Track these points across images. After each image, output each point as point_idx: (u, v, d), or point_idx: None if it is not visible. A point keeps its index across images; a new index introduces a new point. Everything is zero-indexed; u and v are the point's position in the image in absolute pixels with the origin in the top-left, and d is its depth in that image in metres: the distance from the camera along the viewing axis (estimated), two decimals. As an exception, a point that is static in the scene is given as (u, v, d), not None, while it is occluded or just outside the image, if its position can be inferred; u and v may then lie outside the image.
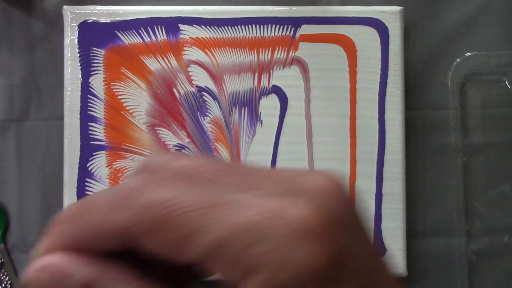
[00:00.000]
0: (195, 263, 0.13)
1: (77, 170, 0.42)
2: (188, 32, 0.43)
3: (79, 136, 0.42)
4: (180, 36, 0.43)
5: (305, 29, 0.43)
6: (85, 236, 0.14)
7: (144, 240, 0.13)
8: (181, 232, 0.12)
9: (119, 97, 0.43)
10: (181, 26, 0.43)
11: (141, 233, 0.13)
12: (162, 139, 0.43)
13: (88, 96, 0.42)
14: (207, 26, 0.43)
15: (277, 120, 0.43)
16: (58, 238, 0.14)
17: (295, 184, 0.14)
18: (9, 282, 0.44)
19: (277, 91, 0.43)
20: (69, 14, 0.42)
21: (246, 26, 0.43)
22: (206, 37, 0.43)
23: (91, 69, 0.42)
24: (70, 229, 0.14)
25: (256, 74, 0.43)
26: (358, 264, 0.13)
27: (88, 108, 0.42)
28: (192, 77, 0.43)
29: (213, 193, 0.13)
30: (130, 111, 0.43)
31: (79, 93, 0.42)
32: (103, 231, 0.14)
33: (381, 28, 0.43)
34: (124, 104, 0.43)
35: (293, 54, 0.43)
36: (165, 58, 0.43)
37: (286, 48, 0.43)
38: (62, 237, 0.14)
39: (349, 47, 0.43)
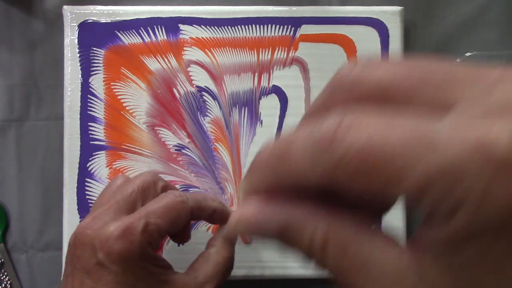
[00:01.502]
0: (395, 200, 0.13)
1: (77, 170, 0.42)
2: (188, 32, 0.43)
3: (79, 136, 0.42)
4: (180, 36, 0.43)
5: (305, 29, 0.43)
6: (285, 184, 0.15)
7: (344, 187, 0.13)
8: (385, 175, 0.12)
9: (119, 97, 0.43)
10: (181, 26, 0.43)
11: (344, 181, 0.13)
12: (162, 139, 0.43)
13: (88, 96, 0.42)
14: (207, 26, 0.43)
15: (277, 120, 0.43)
16: (258, 183, 0.16)
17: (500, 93, 0.12)
18: (9, 282, 0.44)
19: (277, 91, 0.43)
20: (69, 14, 0.42)
21: (246, 26, 0.43)
22: (206, 37, 0.43)
23: (91, 69, 0.42)
24: (271, 175, 0.15)
25: (256, 74, 0.43)
26: None
27: (88, 108, 0.42)
28: (192, 77, 0.43)
29: (413, 125, 0.12)
30: (130, 111, 0.43)
31: (79, 93, 0.42)
32: (305, 181, 0.14)
33: (381, 28, 0.43)
34: (124, 104, 0.43)
35: (293, 54, 0.43)
36: (165, 58, 0.43)
37: (286, 48, 0.43)
38: (263, 182, 0.15)
39: (349, 47, 0.43)
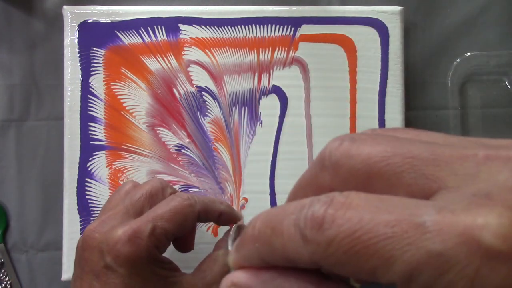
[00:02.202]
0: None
1: (77, 170, 0.42)
2: (188, 32, 0.43)
3: (79, 136, 0.42)
4: (180, 36, 0.43)
5: (305, 29, 0.43)
6: (274, 259, 0.15)
7: (335, 270, 0.13)
8: (372, 264, 0.12)
9: (119, 97, 0.43)
10: (181, 26, 0.43)
11: (332, 264, 0.13)
12: (162, 139, 0.43)
13: (88, 96, 0.42)
14: (207, 26, 0.43)
15: (277, 120, 0.43)
16: (247, 256, 0.15)
17: (486, 175, 0.13)
18: (9, 282, 0.44)
19: (277, 91, 0.43)
20: (69, 14, 0.42)
21: (246, 26, 0.43)
22: (206, 37, 0.43)
23: (91, 69, 0.42)
24: (259, 250, 0.15)
25: (256, 74, 0.43)
26: None
27: (88, 108, 0.42)
28: (192, 77, 0.43)
29: (399, 212, 0.12)
30: (130, 111, 0.43)
31: (79, 93, 0.42)
32: (293, 259, 0.14)
33: (381, 28, 0.43)
34: (124, 104, 0.43)
35: (293, 54, 0.43)
36: (165, 58, 0.43)
37: (286, 48, 0.43)
38: (252, 256, 0.15)
39: (349, 47, 0.43)
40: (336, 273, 0.14)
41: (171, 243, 0.34)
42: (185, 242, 0.36)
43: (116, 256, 0.28)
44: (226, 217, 0.35)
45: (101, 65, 0.43)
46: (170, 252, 0.42)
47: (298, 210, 0.14)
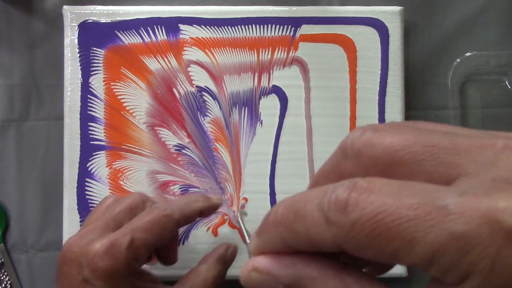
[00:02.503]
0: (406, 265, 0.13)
1: (77, 170, 0.42)
2: (188, 32, 0.43)
3: (79, 136, 0.42)
4: (180, 36, 0.43)
5: (305, 29, 0.43)
6: (296, 243, 0.15)
7: (357, 252, 0.14)
8: (394, 246, 0.13)
9: (119, 97, 0.43)
10: (181, 26, 0.43)
11: (354, 247, 0.13)
12: (162, 139, 0.43)
13: (88, 96, 0.42)
14: (207, 26, 0.43)
15: (277, 120, 0.43)
16: (269, 241, 0.16)
17: (505, 163, 0.13)
18: (9, 282, 0.44)
19: (277, 91, 0.43)
20: (69, 14, 0.42)
21: (246, 26, 0.43)
22: (206, 37, 0.43)
23: (91, 69, 0.42)
24: (282, 234, 0.15)
25: (256, 74, 0.43)
26: None
27: (88, 108, 0.42)
28: (192, 77, 0.43)
29: (422, 196, 0.13)
30: (130, 111, 0.43)
31: (79, 93, 0.42)
32: (316, 242, 0.14)
33: (381, 28, 0.43)
34: (124, 104, 0.43)
35: (293, 54, 0.43)
36: (165, 58, 0.43)
37: (286, 48, 0.43)
38: (274, 241, 0.16)
39: (349, 47, 0.43)
40: (358, 256, 0.14)
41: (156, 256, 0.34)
42: (167, 254, 0.36)
43: (94, 269, 0.28)
44: (207, 211, 0.35)
45: (101, 65, 0.43)
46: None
47: (321, 195, 0.14)
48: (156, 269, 0.42)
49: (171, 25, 0.43)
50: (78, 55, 0.42)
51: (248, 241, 0.17)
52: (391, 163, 0.14)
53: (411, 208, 0.12)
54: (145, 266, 0.42)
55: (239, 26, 0.43)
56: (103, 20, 0.43)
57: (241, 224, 0.31)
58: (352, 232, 0.13)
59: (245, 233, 0.25)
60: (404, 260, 0.13)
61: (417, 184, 0.13)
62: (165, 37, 0.43)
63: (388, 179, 0.14)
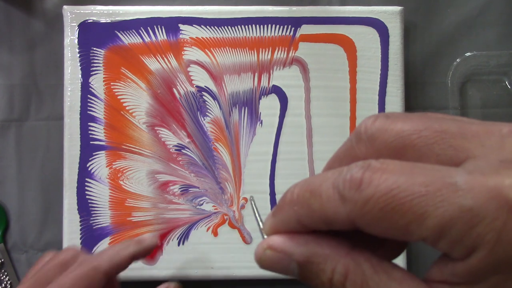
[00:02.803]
0: (414, 241, 0.14)
1: (77, 170, 0.42)
2: (188, 32, 0.43)
3: (79, 136, 0.42)
4: (180, 36, 0.43)
5: (305, 29, 0.43)
6: (311, 221, 0.16)
7: (369, 228, 0.14)
8: (406, 220, 0.13)
9: (119, 97, 0.43)
10: (181, 26, 0.43)
11: (368, 222, 0.14)
12: (162, 139, 0.43)
13: (88, 96, 0.42)
14: (207, 26, 0.43)
15: (277, 120, 0.43)
16: (285, 220, 0.17)
17: (510, 149, 0.14)
18: (9, 282, 0.44)
19: (277, 91, 0.43)
20: (69, 14, 0.42)
21: (246, 26, 0.43)
22: (206, 37, 0.43)
23: (91, 69, 0.42)
24: (298, 213, 0.16)
25: (256, 74, 0.43)
26: None
27: (88, 108, 0.42)
28: (192, 77, 0.43)
29: (433, 174, 0.13)
30: (130, 111, 0.43)
31: (79, 93, 0.42)
32: (330, 219, 0.15)
33: (381, 28, 0.43)
34: (124, 104, 0.43)
35: (293, 54, 0.43)
36: (165, 58, 0.43)
37: (286, 48, 0.43)
38: (289, 220, 0.17)
39: (349, 47, 0.43)
40: (370, 233, 0.15)
41: None
42: None
43: None
44: (139, 255, 0.34)
45: (101, 65, 0.43)
46: (170, 252, 0.42)
47: (337, 174, 0.15)
48: (155, 269, 0.42)
49: (171, 25, 0.43)
50: (78, 55, 0.42)
51: (261, 225, 0.18)
52: (402, 147, 0.15)
53: (422, 185, 0.13)
54: (145, 266, 0.42)
55: (239, 26, 0.43)
56: (103, 20, 0.43)
57: (254, 209, 0.32)
58: (366, 208, 0.14)
59: (258, 218, 0.25)
60: (415, 234, 0.14)
61: (428, 165, 0.14)
62: (165, 37, 0.43)
63: (400, 161, 0.14)
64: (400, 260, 0.42)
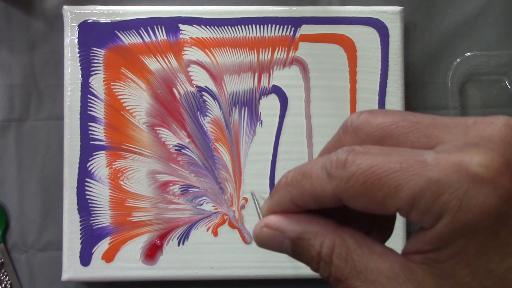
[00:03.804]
0: (392, 213, 0.16)
1: (77, 170, 0.42)
2: (188, 32, 0.43)
3: (79, 136, 0.42)
4: (180, 36, 0.43)
5: (305, 29, 0.43)
6: (303, 199, 0.18)
7: (353, 201, 0.16)
8: (382, 193, 0.15)
9: (119, 97, 0.43)
10: (181, 26, 0.43)
11: (351, 196, 0.16)
12: (162, 139, 0.43)
13: (88, 96, 0.42)
14: (207, 26, 0.43)
15: (277, 120, 0.43)
16: (280, 200, 0.19)
17: (474, 133, 0.16)
18: (9, 282, 0.44)
19: (277, 91, 0.43)
20: (69, 14, 0.42)
21: (246, 26, 0.43)
22: (206, 37, 0.43)
23: (91, 69, 0.42)
24: (291, 193, 0.18)
25: (256, 74, 0.43)
26: None
27: (88, 108, 0.42)
28: (192, 77, 0.43)
29: (406, 155, 0.16)
30: (130, 111, 0.43)
31: (79, 93, 0.42)
32: (319, 195, 0.17)
33: (381, 28, 0.43)
34: (124, 104, 0.43)
35: (293, 54, 0.43)
36: (165, 58, 0.43)
37: (286, 48, 0.43)
38: (284, 200, 0.19)
39: (349, 47, 0.43)
40: (354, 207, 0.16)
41: None
42: None
43: None
44: None
45: (101, 65, 0.43)
46: (170, 252, 0.42)
47: (326, 159, 0.17)
48: (155, 269, 0.42)
49: (171, 25, 0.43)
50: (78, 55, 0.42)
51: (259, 210, 0.21)
52: (382, 136, 0.17)
53: (397, 162, 0.15)
54: (145, 266, 0.42)
55: (239, 26, 0.43)
56: (103, 20, 0.43)
57: (255, 199, 0.33)
58: (349, 183, 0.16)
59: (258, 209, 0.27)
60: (391, 206, 0.15)
61: (403, 149, 0.16)
62: (165, 37, 0.43)
63: (380, 146, 0.17)
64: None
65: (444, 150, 0.15)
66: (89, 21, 0.42)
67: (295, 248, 0.18)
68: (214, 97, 0.43)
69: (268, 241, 0.19)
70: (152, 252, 0.42)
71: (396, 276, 0.16)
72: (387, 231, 0.20)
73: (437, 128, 0.17)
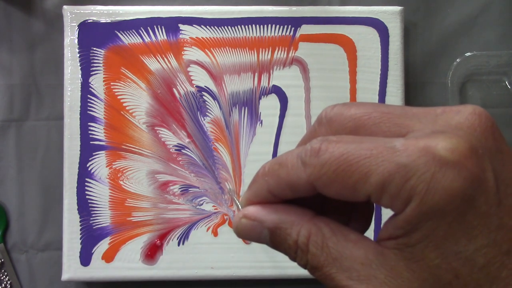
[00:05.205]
0: (364, 200, 0.16)
1: (77, 170, 0.42)
2: (188, 32, 0.43)
3: (79, 136, 0.42)
4: (180, 36, 0.43)
5: (305, 29, 0.43)
6: (279, 188, 0.18)
7: (326, 188, 0.17)
8: (354, 179, 0.16)
9: (119, 97, 0.43)
10: (181, 26, 0.43)
11: (324, 183, 0.17)
12: (162, 139, 0.43)
13: (88, 96, 0.42)
14: (207, 26, 0.43)
15: (277, 120, 0.43)
16: (258, 191, 0.19)
17: (442, 121, 0.17)
18: (9, 282, 0.44)
19: (277, 91, 0.43)
20: (69, 14, 0.42)
21: (246, 26, 0.43)
22: (206, 37, 0.43)
23: (91, 69, 0.42)
24: (268, 182, 0.19)
25: (256, 74, 0.43)
26: (504, 182, 0.16)
27: (88, 108, 0.42)
28: (192, 77, 0.43)
29: (377, 142, 0.16)
30: (130, 111, 0.43)
31: (79, 93, 0.42)
32: (295, 183, 0.17)
33: (381, 28, 0.43)
34: (124, 104, 0.43)
35: (293, 54, 0.43)
36: (165, 58, 0.43)
37: (286, 48, 0.43)
38: (261, 190, 0.19)
39: (349, 47, 0.43)
40: (327, 195, 0.17)
41: None
42: None
43: None
44: None
45: (101, 65, 0.43)
46: (170, 252, 0.42)
47: (301, 149, 0.17)
48: (155, 269, 0.42)
49: (171, 25, 0.43)
50: (78, 55, 0.42)
51: (238, 203, 0.22)
52: (355, 127, 0.18)
53: (368, 149, 0.16)
54: (145, 266, 0.42)
55: (239, 26, 0.43)
56: (103, 20, 0.43)
57: (234, 198, 0.33)
58: (322, 170, 0.16)
59: (238, 204, 0.28)
60: (362, 191, 0.16)
61: (375, 138, 0.17)
62: (165, 37, 0.43)
63: (353, 136, 0.17)
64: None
65: (412, 137, 0.16)
66: (89, 21, 0.43)
67: (273, 238, 0.19)
68: (214, 97, 0.43)
69: (247, 231, 0.19)
70: (152, 252, 0.42)
71: (370, 262, 0.16)
72: (366, 221, 0.21)
73: (408, 118, 0.17)
